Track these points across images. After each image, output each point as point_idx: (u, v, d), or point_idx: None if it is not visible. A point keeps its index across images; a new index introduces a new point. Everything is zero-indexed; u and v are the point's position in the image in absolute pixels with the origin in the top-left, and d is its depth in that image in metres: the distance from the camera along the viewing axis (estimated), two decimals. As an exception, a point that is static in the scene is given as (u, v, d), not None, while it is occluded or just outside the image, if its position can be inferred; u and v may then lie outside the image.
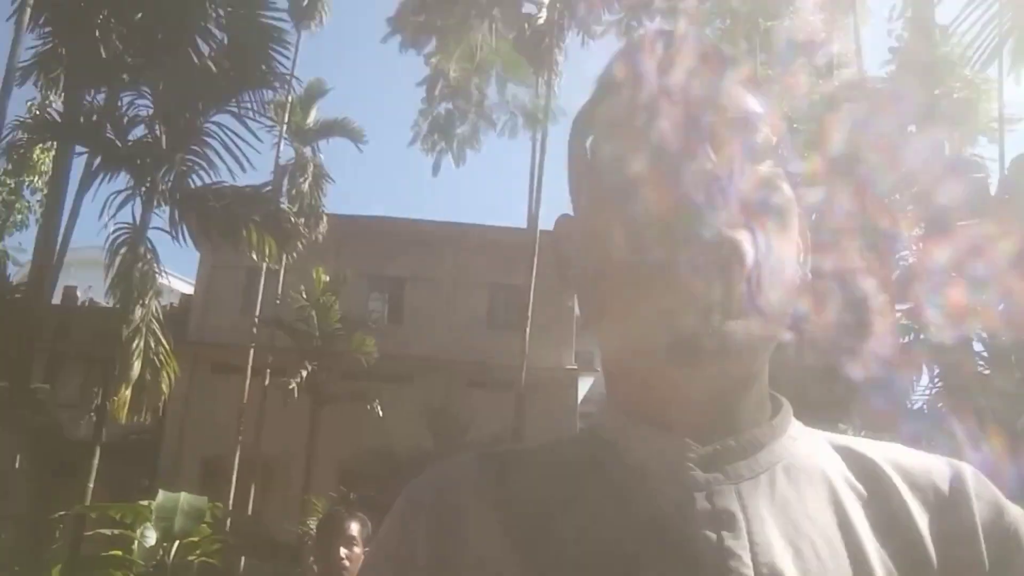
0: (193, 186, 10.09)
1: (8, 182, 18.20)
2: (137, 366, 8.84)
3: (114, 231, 9.16)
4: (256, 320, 17.33)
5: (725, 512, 0.63)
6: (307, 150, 19.18)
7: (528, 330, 16.89)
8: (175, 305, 17.38)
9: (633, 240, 0.63)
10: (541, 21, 16.37)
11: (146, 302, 8.97)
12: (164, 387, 9.58)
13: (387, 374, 18.06)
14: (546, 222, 17.33)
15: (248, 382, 17.03)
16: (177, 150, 9.84)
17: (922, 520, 0.66)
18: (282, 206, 11.05)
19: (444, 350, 18.99)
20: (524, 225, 18.34)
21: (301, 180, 18.26)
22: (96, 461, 9.04)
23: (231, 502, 15.09)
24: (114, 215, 9.31)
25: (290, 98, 16.14)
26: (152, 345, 9.25)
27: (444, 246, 20.10)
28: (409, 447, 15.76)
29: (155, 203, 9.47)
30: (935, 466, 0.70)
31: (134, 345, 8.87)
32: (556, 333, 19.16)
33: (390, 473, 15.98)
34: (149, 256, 9.30)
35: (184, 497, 8.56)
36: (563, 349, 19.81)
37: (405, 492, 0.71)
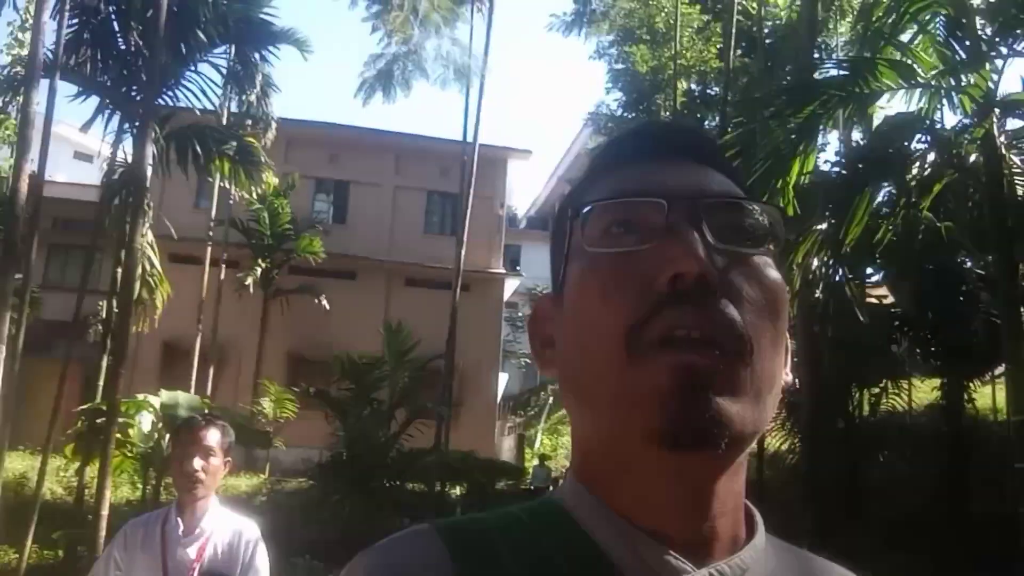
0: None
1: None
2: (137, 287, 10.46)
3: (108, 168, 10.54)
4: (212, 218, 18.73)
5: None
6: (255, 57, 20.02)
7: (465, 236, 18.77)
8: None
9: (623, 317, 0.61)
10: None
11: (144, 232, 10.52)
12: (159, 303, 11.27)
13: (332, 271, 19.86)
14: (482, 137, 19.04)
15: (206, 274, 18.61)
16: (163, 91, 11.19)
17: None
18: (249, 138, 12.46)
19: (385, 250, 20.80)
20: (459, 138, 20.00)
21: (249, 90, 19.27)
22: (104, 369, 10.78)
23: (193, 384, 16.94)
24: (112, 154, 10.70)
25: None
26: (148, 268, 10.87)
27: (385, 153, 21.58)
28: (351, 343, 17.83)
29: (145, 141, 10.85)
30: None
31: (136, 273, 10.47)
32: (486, 239, 21.14)
33: (333, 364, 18.10)
34: (145, 192, 10.76)
35: (182, 395, 10.42)
36: (492, 254, 21.86)
37: (359, 567, 0.64)
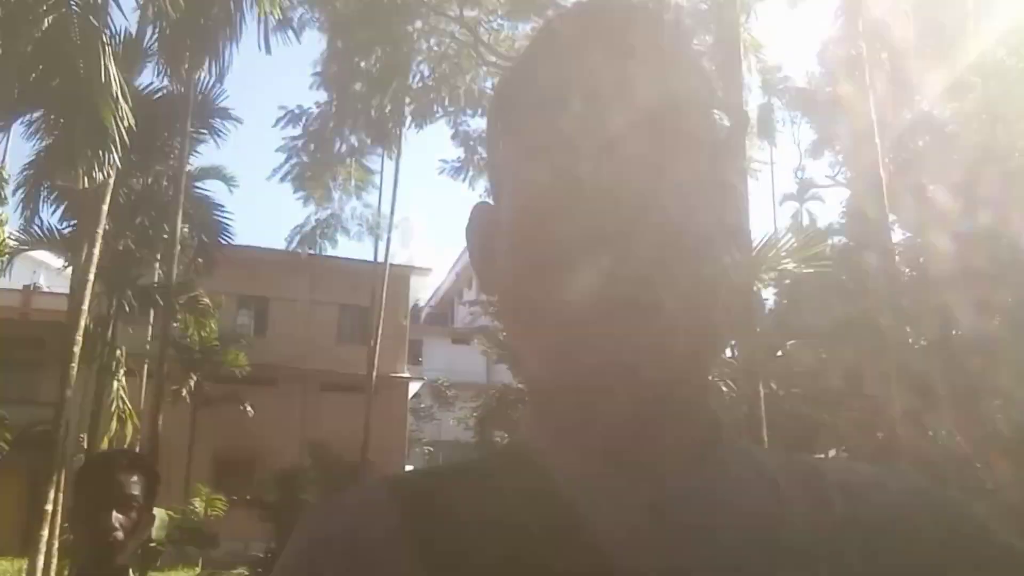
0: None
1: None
2: (114, 423, 12.84)
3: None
4: (149, 336, 20.97)
5: (679, 570, 0.54)
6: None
7: (378, 344, 21.61)
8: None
9: (563, 245, 0.56)
10: (388, 110, 20.89)
11: (119, 377, 12.94)
12: (128, 433, 13.61)
13: (255, 379, 22.28)
14: (391, 259, 22.18)
15: (144, 386, 20.75)
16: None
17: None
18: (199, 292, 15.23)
19: (302, 359, 23.41)
20: (369, 258, 23.08)
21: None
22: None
23: (131, 488, 18.95)
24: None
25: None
26: (120, 406, 13.26)
27: (302, 271, 24.38)
28: (272, 443, 20.29)
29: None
30: (927, 498, 0.61)
31: (112, 408, 12.87)
32: (392, 347, 24.02)
33: (255, 461, 20.42)
34: (119, 344, 13.29)
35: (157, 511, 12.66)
36: (397, 360, 24.75)
37: (309, 525, 0.61)
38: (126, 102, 7.32)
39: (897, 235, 20.62)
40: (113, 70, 7.13)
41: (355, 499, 0.63)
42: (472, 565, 0.55)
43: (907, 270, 19.52)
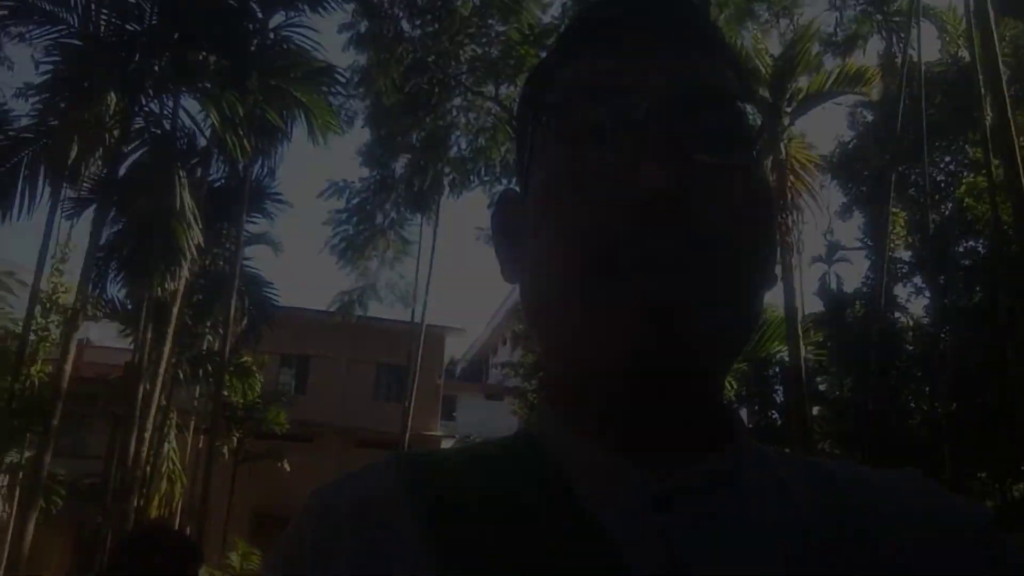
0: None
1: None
2: (164, 484, 13.69)
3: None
4: (197, 393, 21.94)
5: (681, 566, 0.54)
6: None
7: (412, 403, 22.35)
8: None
9: (588, 237, 0.56)
10: (427, 184, 21.91)
11: (171, 439, 13.83)
12: (177, 493, 14.48)
13: (294, 436, 23.10)
14: (427, 319, 23.02)
15: (189, 442, 21.63)
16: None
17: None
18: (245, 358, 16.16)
19: (339, 416, 24.24)
20: (404, 317, 24.01)
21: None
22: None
23: (173, 541, 19.72)
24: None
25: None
26: (171, 467, 14.14)
27: (341, 331, 25.29)
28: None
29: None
30: (940, 502, 0.61)
31: (163, 470, 13.75)
32: (426, 405, 24.74)
33: (292, 516, 21.05)
34: (171, 413, 14.24)
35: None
36: (431, 418, 25.46)
37: (316, 499, 0.62)
38: (197, 224, 8.23)
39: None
40: (187, 199, 8.06)
41: (362, 477, 0.63)
42: (472, 539, 0.56)
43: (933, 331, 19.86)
